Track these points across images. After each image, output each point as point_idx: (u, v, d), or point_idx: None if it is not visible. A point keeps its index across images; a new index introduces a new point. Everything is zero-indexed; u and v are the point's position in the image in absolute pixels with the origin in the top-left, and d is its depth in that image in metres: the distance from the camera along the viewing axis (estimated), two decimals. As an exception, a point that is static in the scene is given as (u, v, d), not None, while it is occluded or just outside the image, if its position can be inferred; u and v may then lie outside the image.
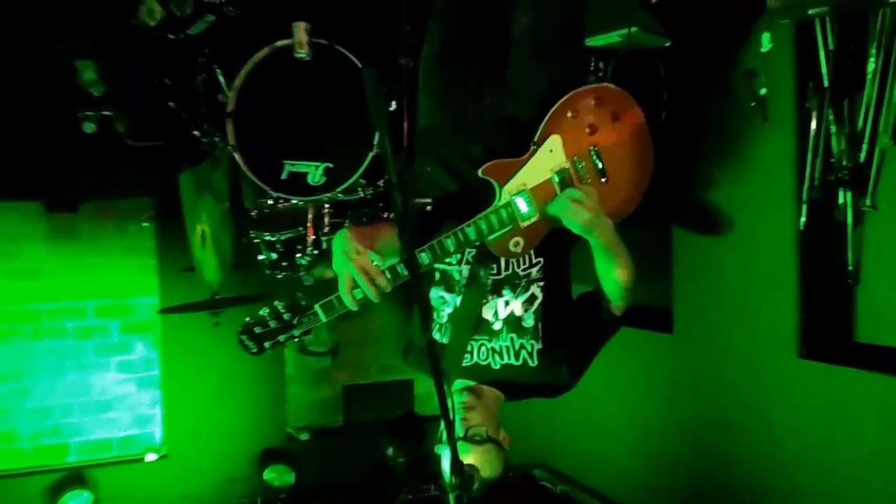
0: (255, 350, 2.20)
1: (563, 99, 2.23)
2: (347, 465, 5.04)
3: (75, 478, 4.54)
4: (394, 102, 3.28)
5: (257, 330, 2.18)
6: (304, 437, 5.07)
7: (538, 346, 2.28)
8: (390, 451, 5.02)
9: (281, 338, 2.18)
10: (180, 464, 4.76)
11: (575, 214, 2.11)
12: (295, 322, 2.17)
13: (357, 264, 2.08)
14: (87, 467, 4.63)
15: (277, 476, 4.79)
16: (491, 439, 2.17)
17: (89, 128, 3.79)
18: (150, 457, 4.77)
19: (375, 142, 3.23)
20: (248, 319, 2.19)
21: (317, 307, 2.17)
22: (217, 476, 4.77)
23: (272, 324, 2.17)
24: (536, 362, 2.28)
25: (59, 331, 4.70)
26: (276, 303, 2.17)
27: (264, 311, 2.18)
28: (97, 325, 4.79)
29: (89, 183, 4.43)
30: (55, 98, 3.88)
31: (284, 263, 3.63)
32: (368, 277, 2.07)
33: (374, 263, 2.11)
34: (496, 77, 2.46)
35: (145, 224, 4.79)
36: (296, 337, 2.19)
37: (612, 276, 2.20)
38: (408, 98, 1.67)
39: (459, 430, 2.14)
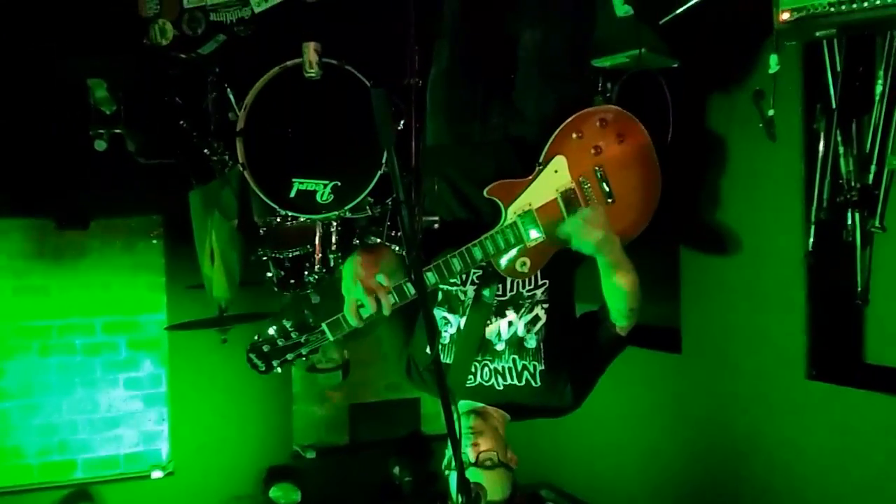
0: (263, 369, 2.21)
1: (569, 120, 2.25)
2: (353, 484, 5.03)
3: (82, 494, 4.54)
4: (402, 122, 3.30)
5: (266, 349, 2.19)
6: (311, 455, 5.06)
7: (541, 367, 2.29)
8: (396, 469, 5.01)
9: (289, 356, 2.20)
10: (187, 481, 4.76)
11: (588, 234, 2.12)
12: (303, 340, 2.18)
13: (364, 285, 2.09)
14: (94, 484, 4.64)
15: (283, 494, 4.77)
16: (502, 464, 2.18)
17: (100, 146, 3.81)
18: (157, 474, 4.77)
19: (384, 160, 3.25)
20: (256, 338, 2.21)
21: (324, 325, 2.18)
22: (223, 494, 4.77)
23: (280, 342, 2.19)
24: (540, 383, 2.29)
25: (67, 347, 4.72)
26: (284, 321, 2.18)
27: (272, 330, 2.19)
28: (105, 341, 4.81)
29: (100, 200, 4.46)
30: (67, 116, 3.91)
31: (292, 281, 3.64)
32: (373, 296, 2.08)
33: (381, 284, 2.12)
34: (503, 97, 2.48)
35: (154, 241, 4.82)
36: (304, 355, 2.20)
37: (619, 295, 2.20)
38: (416, 118, 1.68)
39: (470, 456, 2.15)
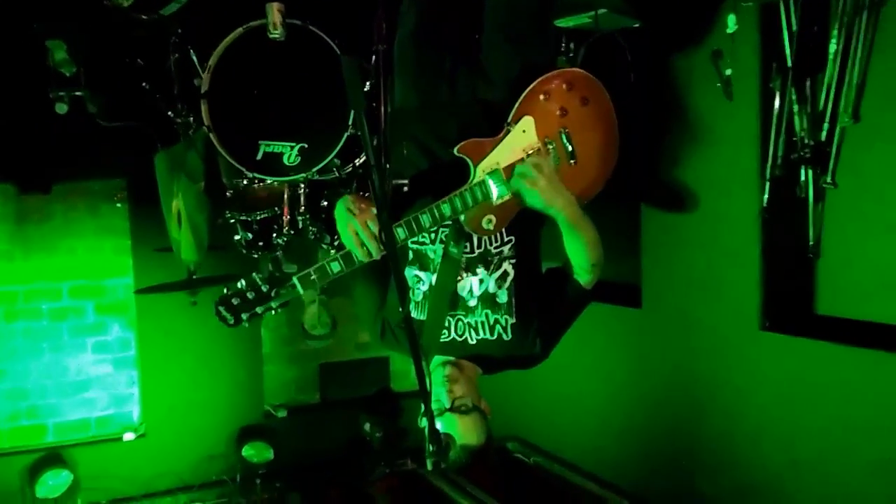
0: (232, 322, 2.20)
1: (537, 82, 2.29)
2: (325, 441, 5.11)
3: (54, 457, 4.56)
4: (368, 83, 3.31)
5: (235, 301, 2.18)
6: (282, 414, 5.12)
7: (512, 320, 2.36)
8: (367, 426, 5.09)
9: (258, 309, 2.19)
10: (159, 442, 4.80)
11: (533, 185, 2.18)
12: (273, 294, 2.19)
13: (360, 219, 2.13)
14: (66, 447, 4.65)
15: (256, 453, 4.84)
16: (476, 408, 2.25)
17: (61, 108, 3.74)
18: (129, 436, 4.81)
19: (350, 122, 3.27)
20: (225, 291, 2.19)
21: (295, 279, 2.19)
22: (196, 454, 4.82)
23: (250, 295, 2.18)
24: (511, 336, 2.36)
25: (33, 312, 4.70)
26: (253, 275, 2.18)
27: (242, 283, 2.18)
28: (72, 306, 4.79)
29: (61, 164, 4.40)
30: (26, 79, 3.84)
31: (261, 243, 3.65)
32: (368, 233, 2.13)
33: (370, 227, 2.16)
34: (470, 59, 2.52)
35: (119, 205, 4.78)
36: (273, 308, 2.20)
37: (579, 252, 2.28)
38: (385, 82, 1.71)
39: (446, 402, 2.22)
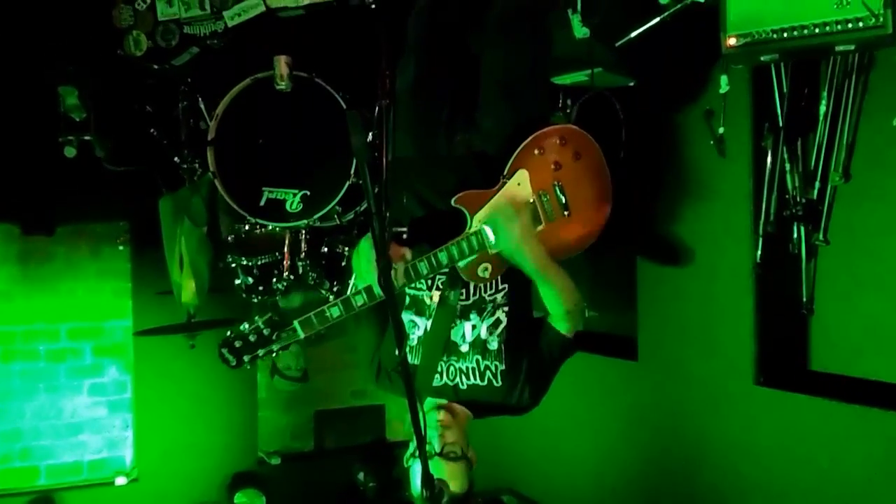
0: (234, 363, 2.27)
1: (531, 137, 2.39)
2: (318, 490, 5.08)
3: (45, 500, 4.54)
4: (370, 133, 3.39)
5: (237, 344, 2.25)
6: (276, 461, 5.10)
7: (501, 367, 2.40)
8: (361, 475, 5.07)
9: (260, 352, 2.26)
10: (151, 487, 4.77)
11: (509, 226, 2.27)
12: (274, 337, 2.25)
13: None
14: (58, 490, 4.63)
15: (248, 500, 4.80)
16: (464, 456, 2.28)
17: (70, 152, 3.83)
18: (121, 480, 4.78)
19: (352, 171, 3.34)
20: (228, 334, 2.26)
21: (295, 323, 2.26)
22: (187, 500, 4.78)
23: (252, 338, 2.25)
24: (500, 383, 2.40)
25: (31, 353, 4.71)
26: (256, 318, 2.25)
27: (244, 326, 2.25)
28: (70, 347, 4.81)
29: (66, 206, 4.45)
30: (35, 122, 3.92)
31: (260, 287, 3.70)
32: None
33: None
34: (466, 113, 2.61)
35: (121, 247, 4.82)
36: (274, 351, 2.26)
37: (551, 299, 2.36)
38: (386, 134, 1.79)
39: (436, 446, 2.24)
